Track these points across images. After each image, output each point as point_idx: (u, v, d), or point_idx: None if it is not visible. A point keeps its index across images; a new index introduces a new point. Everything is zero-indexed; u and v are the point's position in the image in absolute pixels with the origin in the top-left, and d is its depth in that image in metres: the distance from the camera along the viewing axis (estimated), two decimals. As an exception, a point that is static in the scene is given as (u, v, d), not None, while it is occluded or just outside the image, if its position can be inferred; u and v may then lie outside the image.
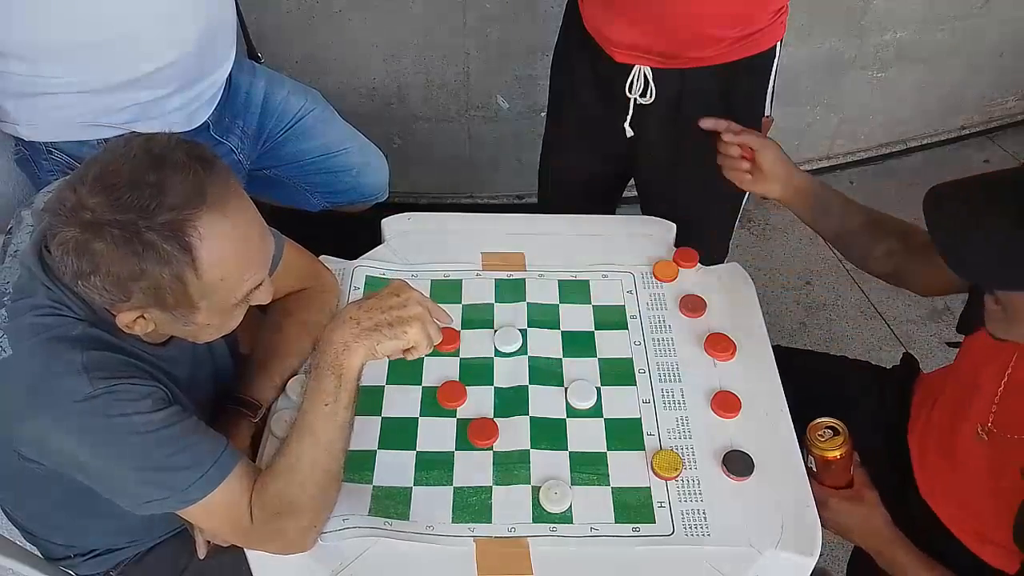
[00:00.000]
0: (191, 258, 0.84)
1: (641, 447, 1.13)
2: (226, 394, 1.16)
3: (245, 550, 1.02)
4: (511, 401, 1.18)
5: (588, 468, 1.11)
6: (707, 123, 1.29)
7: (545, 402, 1.18)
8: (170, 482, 0.92)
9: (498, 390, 1.19)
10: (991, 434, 1.03)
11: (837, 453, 1.11)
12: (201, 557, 1.13)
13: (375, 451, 1.12)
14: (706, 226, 1.57)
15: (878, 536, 1.11)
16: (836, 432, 1.11)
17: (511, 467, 1.10)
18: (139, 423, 0.89)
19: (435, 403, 1.17)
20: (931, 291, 1.23)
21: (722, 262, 1.43)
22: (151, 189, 0.82)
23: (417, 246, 1.39)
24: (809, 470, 1.13)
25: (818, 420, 1.12)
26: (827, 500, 1.12)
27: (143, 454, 0.91)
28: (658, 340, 1.27)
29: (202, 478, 0.92)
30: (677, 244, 1.42)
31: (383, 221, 1.44)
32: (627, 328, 1.28)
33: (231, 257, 0.88)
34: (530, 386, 1.19)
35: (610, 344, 1.26)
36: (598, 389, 1.19)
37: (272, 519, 0.96)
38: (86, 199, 0.82)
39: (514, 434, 1.14)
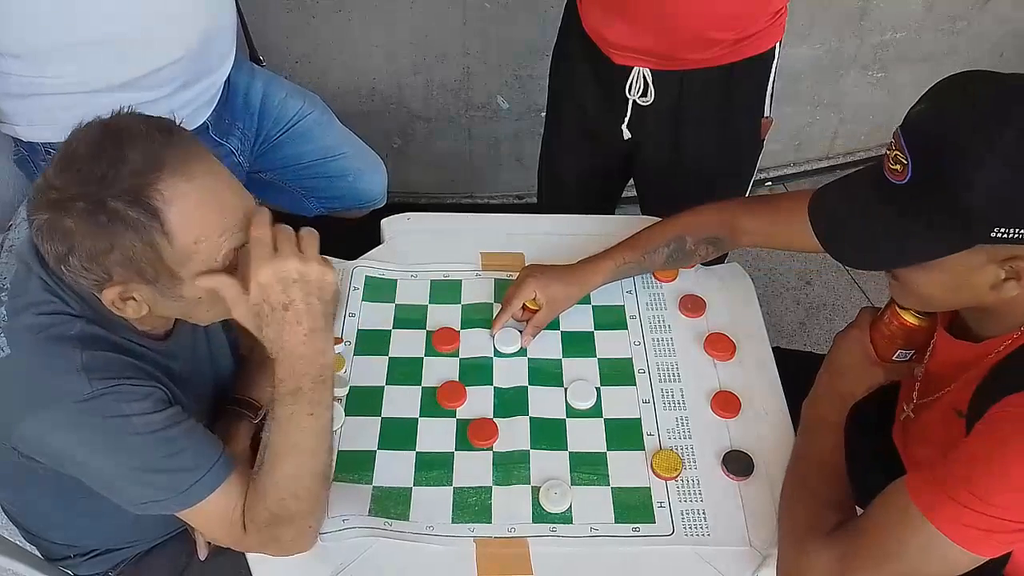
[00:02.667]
0: (159, 222, 0.83)
1: (641, 447, 1.13)
2: (226, 395, 1.16)
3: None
4: (511, 401, 1.18)
5: (588, 468, 1.11)
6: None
7: (545, 402, 1.18)
8: (169, 483, 0.92)
9: (498, 390, 1.19)
10: (916, 407, 1.06)
11: (915, 321, 1.08)
12: (202, 558, 1.13)
13: (375, 451, 1.12)
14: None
15: (837, 393, 1.11)
16: (930, 314, 1.09)
17: (511, 467, 1.10)
18: (138, 424, 0.89)
19: (435, 403, 1.17)
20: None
21: (722, 262, 1.43)
22: (108, 158, 0.82)
23: (417, 246, 1.39)
24: (875, 317, 1.14)
25: None
26: (855, 331, 1.14)
27: (142, 455, 0.90)
28: (658, 340, 1.27)
29: (200, 480, 0.92)
30: (677, 244, 1.42)
31: (382, 221, 1.44)
32: (627, 328, 1.28)
33: (201, 218, 0.86)
34: (530, 386, 1.19)
35: (610, 344, 1.26)
36: (598, 389, 1.19)
37: (265, 529, 0.96)
38: (52, 180, 0.83)
39: (514, 434, 1.14)
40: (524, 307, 1.25)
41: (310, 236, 0.90)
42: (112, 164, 0.82)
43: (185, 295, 0.90)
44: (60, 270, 0.86)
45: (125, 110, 0.88)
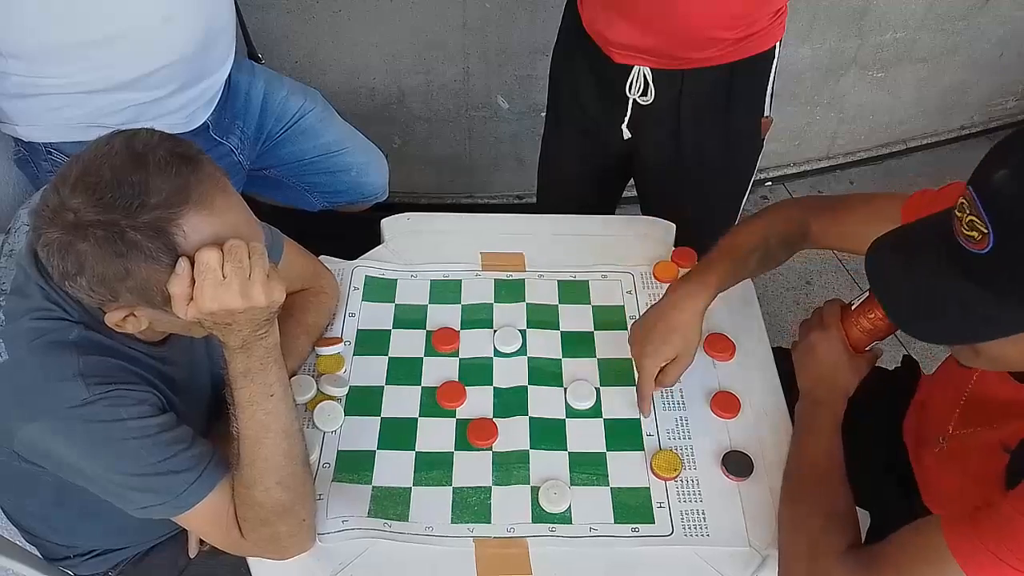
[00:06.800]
0: (177, 256, 0.83)
1: (640, 447, 1.13)
2: (224, 399, 1.15)
3: (243, 549, 1.02)
4: (510, 401, 1.18)
5: (587, 468, 1.11)
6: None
7: (544, 402, 1.18)
8: (165, 487, 0.92)
9: (497, 390, 1.19)
10: (951, 438, 1.04)
11: None
12: (192, 556, 1.13)
13: (374, 451, 1.12)
14: (706, 226, 1.57)
15: (833, 392, 1.11)
16: None
17: (510, 467, 1.10)
18: (135, 428, 0.89)
19: (435, 403, 1.17)
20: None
21: (721, 262, 1.42)
22: (133, 188, 0.80)
23: (417, 246, 1.39)
24: (846, 307, 1.15)
25: None
26: (833, 330, 1.13)
27: (138, 459, 0.90)
28: (657, 340, 1.27)
29: (194, 484, 0.92)
30: (676, 244, 1.42)
31: (383, 221, 1.44)
32: (627, 329, 1.28)
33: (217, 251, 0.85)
34: (529, 386, 1.19)
35: (609, 345, 1.26)
36: (597, 390, 1.19)
37: (261, 526, 0.96)
38: (68, 200, 0.81)
39: (513, 434, 1.14)
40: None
41: (260, 258, 0.85)
42: (136, 194, 0.80)
43: (189, 317, 0.89)
44: (63, 285, 0.86)
45: (145, 126, 0.86)
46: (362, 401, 1.18)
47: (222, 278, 0.83)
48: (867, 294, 1.13)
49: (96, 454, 0.90)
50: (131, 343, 0.96)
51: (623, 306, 1.31)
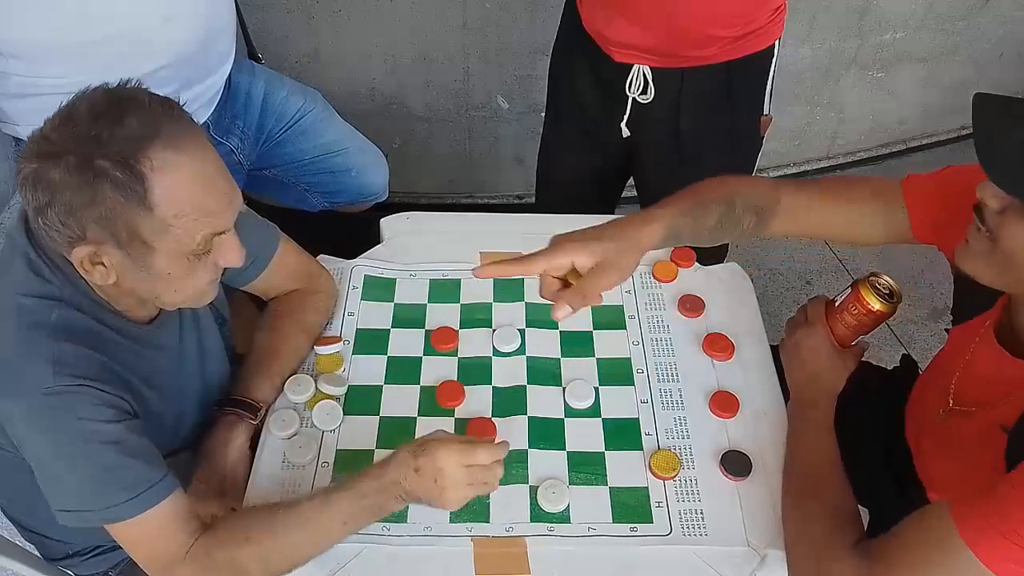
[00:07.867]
0: (143, 188, 0.84)
1: (639, 447, 1.13)
2: (215, 394, 1.15)
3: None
4: (509, 401, 1.18)
5: (586, 468, 1.11)
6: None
7: (543, 402, 1.18)
8: (98, 495, 0.90)
9: (496, 390, 1.19)
10: (949, 412, 1.04)
11: (879, 307, 1.11)
12: None
13: (373, 451, 1.12)
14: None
15: (821, 393, 1.12)
16: (892, 296, 1.12)
17: (509, 467, 1.10)
18: (86, 430, 0.88)
19: (434, 403, 1.17)
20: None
21: (721, 262, 1.43)
22: (108, 120, 0.84)
23: (416, 246, 1.40)
24: (830, 303, 1.17)
25: (885, 276, 1.14)
26: (818, 327, 1.15)
27: (86, 460, 0.89)
28: (656, 340, 1.27)
29: (131, 500, 0.90)
30: (676, 244, 1.42)
31: (382, 221, 1.44)
32: (625, 328, 1.28)
33: (185, 193, 0.87)
34: (528, 386, 1.20)
35: (608, 344, 1.26)
36: (596, 389, 1.19)
37: (210, 572, 0.93)
38: (48, 132, 0.85)
39: (512, 434, 1.13)
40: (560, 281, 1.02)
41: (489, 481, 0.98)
42: (109, 126, 0.84)
43: (155, 267, 0.90)
44: (37, 224, 0.87)
45: (133, 82, 0.90)
46: (361, 400, 1.18)
47: (471, 466, 0.96)
48: (850, 289, 1.15)
49: (44, 442, 0.89)
50: (114, 320, 0.95)
51: (622, 305, 1.31)
